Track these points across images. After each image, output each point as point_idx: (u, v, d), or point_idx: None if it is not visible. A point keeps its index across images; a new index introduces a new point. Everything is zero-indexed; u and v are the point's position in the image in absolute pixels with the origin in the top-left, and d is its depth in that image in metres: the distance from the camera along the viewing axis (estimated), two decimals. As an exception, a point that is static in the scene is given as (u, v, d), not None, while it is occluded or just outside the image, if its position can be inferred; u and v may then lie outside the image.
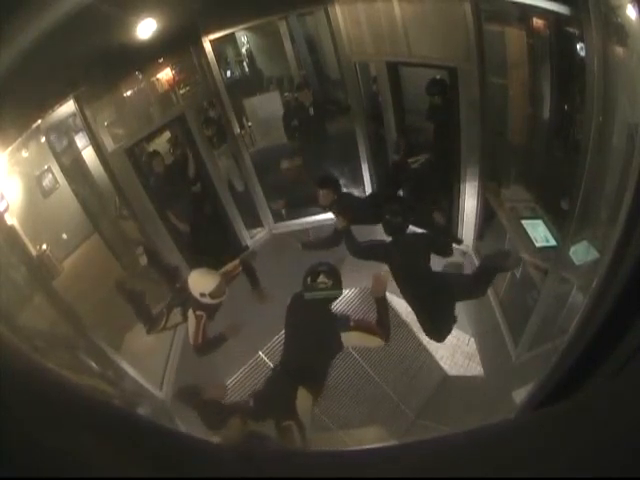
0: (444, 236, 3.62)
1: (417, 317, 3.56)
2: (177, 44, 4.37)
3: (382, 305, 3.14)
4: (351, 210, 3.83)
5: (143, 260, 3.88)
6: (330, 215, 4.97)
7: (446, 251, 3.52)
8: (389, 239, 3.46)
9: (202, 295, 3.64)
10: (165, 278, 4.09)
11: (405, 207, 3.59)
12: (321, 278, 3.00)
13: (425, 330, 3.59)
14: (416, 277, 3.38)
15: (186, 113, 4.65)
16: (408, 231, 3.54)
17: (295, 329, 3.11)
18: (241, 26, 5.09)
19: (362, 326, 3.10)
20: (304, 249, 4.18)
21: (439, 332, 3.56)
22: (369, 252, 3.55)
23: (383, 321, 3.10)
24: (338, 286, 3.08)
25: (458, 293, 3.48)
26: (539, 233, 3.78)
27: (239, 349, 3.84)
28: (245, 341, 3.70)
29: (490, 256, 3.44)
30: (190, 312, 3.73)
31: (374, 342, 3.07)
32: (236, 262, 4.05)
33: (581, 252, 3.15)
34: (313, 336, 3.05)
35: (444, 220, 3.71)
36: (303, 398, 2.91)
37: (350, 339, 3.03)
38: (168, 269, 4.08)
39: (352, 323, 3.07)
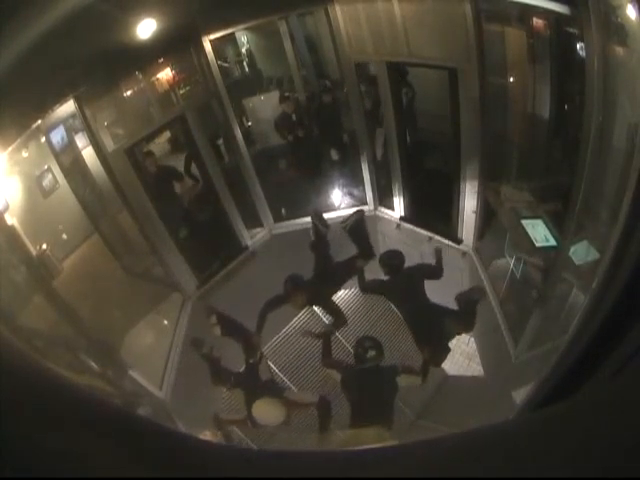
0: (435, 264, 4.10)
1: (416, 344, 4.00)
2: (177, 44, 4.37)
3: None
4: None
5: (217, 331, 3.87)
6: (331, 215, 4.99)
7: (438, 275, 4.02)
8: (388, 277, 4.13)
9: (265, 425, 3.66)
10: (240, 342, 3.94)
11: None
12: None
13: (423, 355, 3.91)
14: (414, 308, 4.00)
15: (186, 113, 4.65)
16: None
17: None
18: (241, 26, 5.07)
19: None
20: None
21: (436, 358, 3.97)
22: (373, 288, 4.27)
23: None
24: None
25: (450, 324, 3.89)
26: (539, 233, 3.78)
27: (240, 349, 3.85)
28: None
29: (464, 292, 3.85)
30: None
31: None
32: (310, 398, 3.92)
33: (581, 252, 3.15)
34: None
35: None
36: None
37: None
38: (242, 335, 3.93)
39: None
